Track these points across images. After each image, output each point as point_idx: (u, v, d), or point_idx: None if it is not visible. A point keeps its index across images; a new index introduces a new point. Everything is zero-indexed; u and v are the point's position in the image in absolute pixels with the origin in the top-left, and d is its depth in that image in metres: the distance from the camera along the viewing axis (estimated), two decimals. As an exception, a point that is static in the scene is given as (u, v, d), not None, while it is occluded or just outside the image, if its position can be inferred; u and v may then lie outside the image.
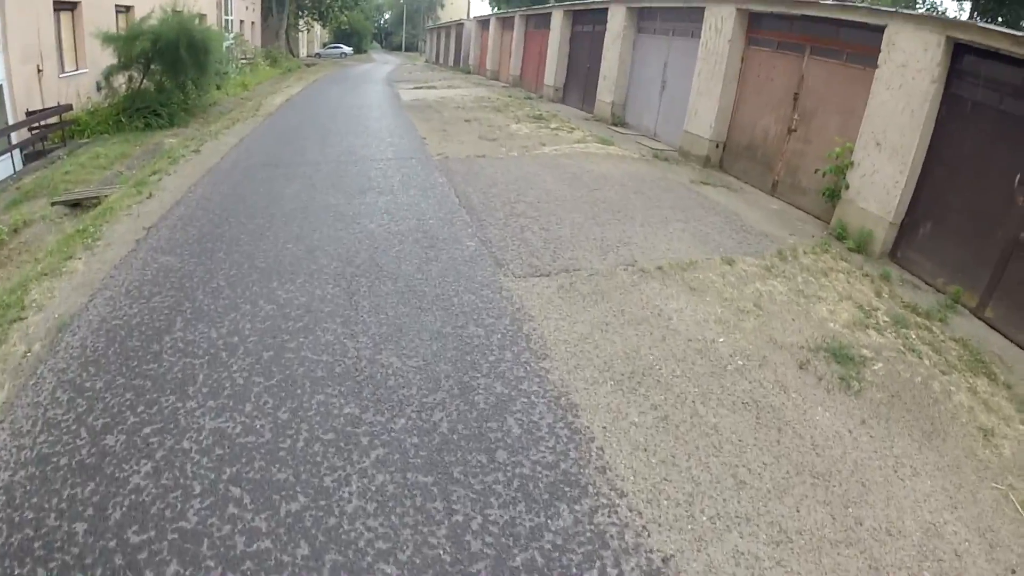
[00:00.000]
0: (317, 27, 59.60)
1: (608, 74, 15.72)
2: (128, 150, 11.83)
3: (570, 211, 7.59)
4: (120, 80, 14.14)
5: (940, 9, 25.34)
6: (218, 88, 17.39)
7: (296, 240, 6.27)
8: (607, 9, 16.04)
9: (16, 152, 11.87)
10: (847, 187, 7.56)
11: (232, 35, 28.66)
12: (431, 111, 16.49)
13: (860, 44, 7.95)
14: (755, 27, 10.38)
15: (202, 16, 24.59)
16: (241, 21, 32.73)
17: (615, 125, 15.12)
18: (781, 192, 9.42)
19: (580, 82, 18.53)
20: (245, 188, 8.23)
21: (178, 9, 14.33)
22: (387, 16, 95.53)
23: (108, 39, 13.54)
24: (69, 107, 13.36)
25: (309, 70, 36.56)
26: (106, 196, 8.55)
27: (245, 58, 29.53)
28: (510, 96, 20.55)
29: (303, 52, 54.76)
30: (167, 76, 14.49)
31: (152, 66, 14.23)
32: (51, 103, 13.03)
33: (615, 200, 8.21)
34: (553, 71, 19.99)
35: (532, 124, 14.29)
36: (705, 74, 11.34)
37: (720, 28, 10.95)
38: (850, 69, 8.10)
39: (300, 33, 52.48)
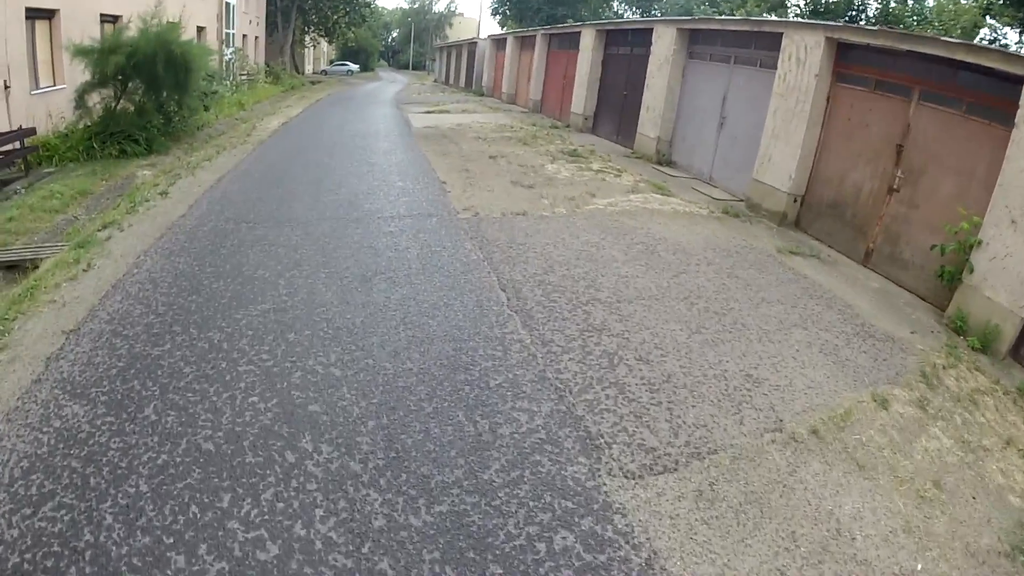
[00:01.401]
0: (324, 44, 58.17)
1: (653, 105, 13.68)
2: (92, 186, 9.84)
3: (664, 317, 5.45)
4: (95, 99, 12.16)
5: (1003, 41, 23.41)
6: (206, 109, 15.34)
7: (265, 388, 4.04)
8: (651, 30, 14.08)
9: (-28, 183, 9.96)
10: (971, 270, 6.07)
11: (231, 49, 26.81)
12: (447, 142, 14.41)
13: (986, 93, 6.47)
14: (844, 60, 8.58)
15: (200, 29, 22.88)
16: (244, 36, 30.91)
17: (660, 164, 13.08)
18: (877, 263, 7.68)
19: (614, 111, 16.52)
20: (205, 265, 6.06)
21: (170, 20, 12.38)
22: (395, 34, 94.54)
23: (79, 52, 11.60)
24: (32, 131, 11.42)
25: (313, 88, 34.80)
26: (42, 260, 6.61)
27: (245, 74, 27.66)
28: (534, 124, 18.51)
29: (309, 69, 53.27)
30: (147, 96, 12.51)
31: (130, 84, 12.26)
32: (21, 123, 11.15)
33: (711, 292, 6.12)
34: (582, 98, 17.97)
35: (570, 164, 12.15)
36: (782, 113, 9.36)
37: (804, 59, 9.01)
38: (971, 123, 6.62)
39: (306, 49, 51.00)
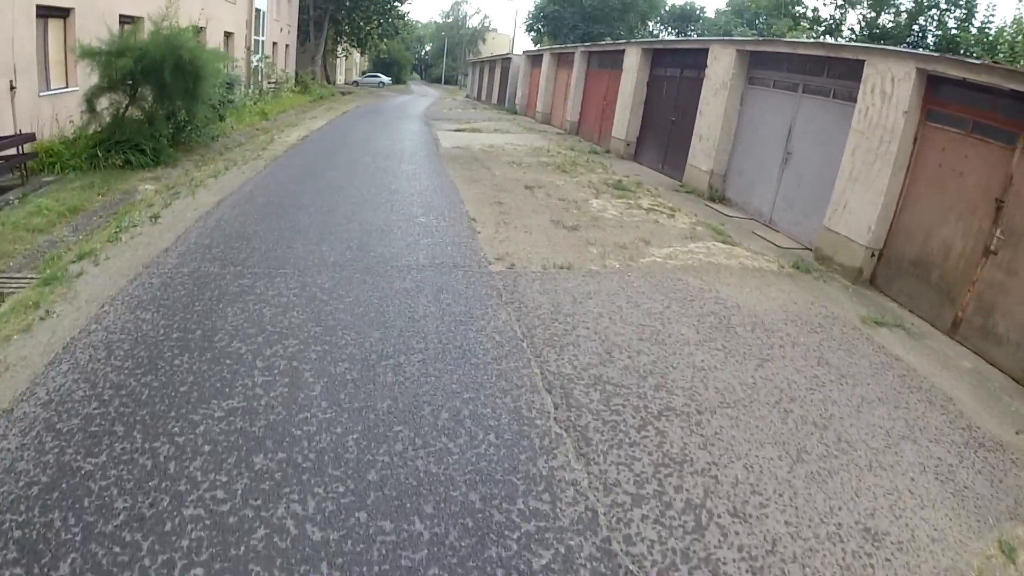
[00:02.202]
0: (356, 54, 57.97)
1: (707, 134, 12.41)
2: (87, 200, 8.89)
3: (756, 436, 4.14)
4: (104, 104, 11.32)
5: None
6: (221, 119, 14.42)
7: (214, 554, 2.75)
8: (705, 51, 12.84)
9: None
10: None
11: (259, 56, 26.16)
12: (478, 166, 13.25)
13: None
14: (935, 96, 7.30)
15: (228, 35, 22.17)
16: (275, 43, 30.38)
17: (713, 200, 11.80)
18: (966, 335, 6.44)
19: (661, 138, 15.28)
20: (172, 328, 4.83)
21: (192, 24, 11.51)
22: (428, 48, 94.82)
23: (86, 53, 10.81)
24: (31, 136, 10.61)
25: (342, 99, 34.14)
26: (5, 296, 5.62)
27: (272, 82, 26.99)
28: (572, 149, 17.30)
29: (340, 79, 53.01)
30: (157, 103, 11.63)
31: (139, 90, 11.37)
32: (29, 126, 10.52)
33: (804, 391, 4.83)
34: (624, 122, 16.76)
35: (617, 200, 10.86)
36: (863, 154, 8.06)
37: (890, 92, 7.72)
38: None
39: (338, 60, 50.70)
